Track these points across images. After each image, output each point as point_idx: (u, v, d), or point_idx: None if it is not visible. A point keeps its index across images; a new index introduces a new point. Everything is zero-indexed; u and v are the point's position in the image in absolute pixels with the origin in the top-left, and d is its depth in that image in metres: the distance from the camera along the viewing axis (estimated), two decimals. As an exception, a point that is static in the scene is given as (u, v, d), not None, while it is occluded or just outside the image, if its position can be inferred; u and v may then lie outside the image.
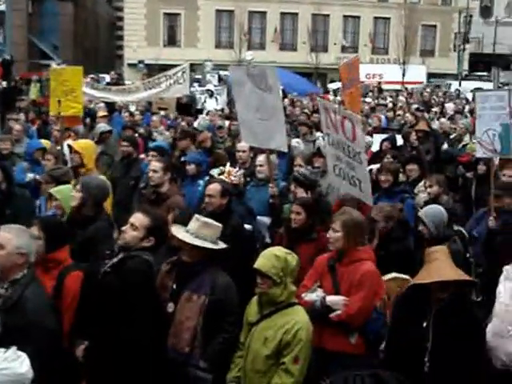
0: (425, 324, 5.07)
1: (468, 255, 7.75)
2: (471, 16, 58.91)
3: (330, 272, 5.92)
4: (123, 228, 5.53)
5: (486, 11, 68.00)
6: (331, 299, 5.75)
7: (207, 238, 5.52)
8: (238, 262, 6.26)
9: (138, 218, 5.53)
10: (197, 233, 5.51)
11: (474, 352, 5.11)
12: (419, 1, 64.80)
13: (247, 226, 7.97)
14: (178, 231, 5.63)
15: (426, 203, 8.62)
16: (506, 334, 5.70)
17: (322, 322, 5.64)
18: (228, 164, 9.50)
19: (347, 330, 5.73)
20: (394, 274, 6.45)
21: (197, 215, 5.75)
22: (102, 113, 15.29)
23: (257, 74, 8.51)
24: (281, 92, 23.39)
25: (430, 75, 52.32)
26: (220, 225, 5.73)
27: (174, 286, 5.59)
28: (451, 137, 15.59)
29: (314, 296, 5.76)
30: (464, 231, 7.85)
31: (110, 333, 5.22)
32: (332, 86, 39.77)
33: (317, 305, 5.71)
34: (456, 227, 7.73)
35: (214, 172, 9.40)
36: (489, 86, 42.91)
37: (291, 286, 5.29)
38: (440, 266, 5.11)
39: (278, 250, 5.34)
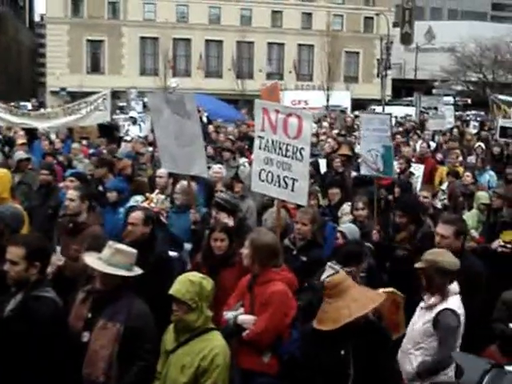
0: (343, 352, 5.03)
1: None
2: (392, 43, 60.36)
3: (249, 292, 5.99)
4: (5, 267, 5.35)
5: (406, 38, 69.91)
6: (242, 318, 5.83)
7: (121, 265, 5.42)
8: (162, 290, 6.19)
9: (13, 252, 5.31)
10: (110, 260, 5.41)
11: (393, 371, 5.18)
12: (342, 28, 66.17)
13: (172, 254, 7.91)
14: (90, 259, 5.52)
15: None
16: (405, 353, 5.90)
17: (237, 340, 5.74)
18: (156, 191, 9.42)
19: (260, 349, 5.79)
20: (390, 289, 6.59)
21: (110, 242, 5.64)
22: (20, 140, 14.96)
23: (175, 100, 8.50)
24: (205, 118, 23.59)
25: (354, 101, 53.25)
26: (135, 251, 5.63)
27: (89, 315, 5.46)
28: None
29: (230, 315, 5.83)
30: (371, 246, 8.01)
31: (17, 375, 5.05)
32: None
33: (230, 323, 5.80)
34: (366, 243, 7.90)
35: (137, 199, 9.31)
36: (412, 110, 44.04)
37: (207, 310, 5.24)
38: (362, 294, 5.10)
39: (193, 275, 5.29)
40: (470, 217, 10.24)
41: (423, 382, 5.77)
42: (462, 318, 5.79)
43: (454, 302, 5.83)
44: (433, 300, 5.88)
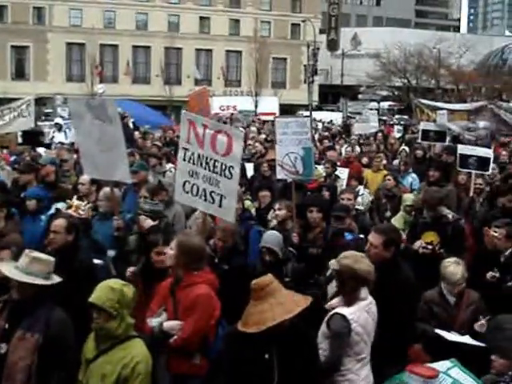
0: (267, 355, 5.00)
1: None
2: (318, 49, 61.10)
3: (171, 296, 5.93)
4: None
5: (332, 44, 70.88)
6: (168, 325, 5.76)
7: (38, 274, 5.30)
8: (86, 298, 6.08)
9: None
10: (27, 269, 5.28)
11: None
12: (269, 34, 66.64)
13: (97, 261, 7.78)
14: (6, 268, 5.37)
15: (274, 229, 8.76)
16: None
17: (164, 347, 5.69)
18: (75, 197, 9.25)
19: (190, 353, 5.78)
20: None
21: (27, 250, 5.51)
22: None
23: (96, 105, 8.38)
24: (131, 124, 23.36)
25: (282, 106, 53.68)
26: (52, 259, 5.52)
27: (6, 326, 5.31)
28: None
29: (155, 322, 5.75)
30: (293, 250, 7.99)
31: None
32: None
33: (156, 331, 5.72)
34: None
35: (60, 206, 9.14)
36: (338, 115, 44.72)
37: (129, 318, 5.17)
38: (287, 298, 5.08)
39: (114, 283, 5.22)
40: (397, 219, 10.46)
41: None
42: (355, 326, 5.68)
43: (351, 309, 5.76)
44: (334, 303, 5.91)
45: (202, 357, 5.83)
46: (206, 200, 7.40)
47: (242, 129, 27.71)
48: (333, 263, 5.96)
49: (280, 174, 9.78)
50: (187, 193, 7.56)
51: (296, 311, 4.93)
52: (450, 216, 9.16)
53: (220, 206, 7.30)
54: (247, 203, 10.66)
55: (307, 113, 46.10)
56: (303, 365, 5.03)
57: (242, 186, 11.64)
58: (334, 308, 5.83)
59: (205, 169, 7.35)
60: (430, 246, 8.35)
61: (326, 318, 5.81)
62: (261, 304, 4.96)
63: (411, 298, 6.77)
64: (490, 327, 6.06)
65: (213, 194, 7.31)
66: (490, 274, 7.61)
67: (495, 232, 8.00)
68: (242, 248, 8.11)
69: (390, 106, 59.63)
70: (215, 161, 7.25)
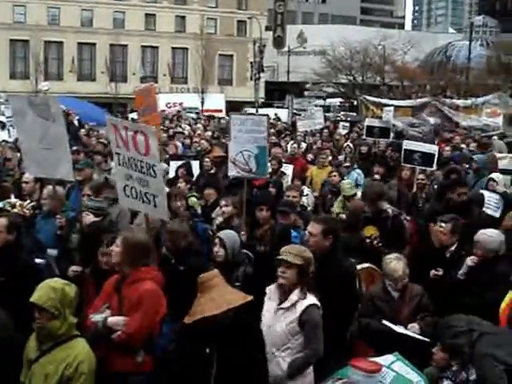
0: (208, 350, 5.02)
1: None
2: (264, 46, 61.19)
3: (117, 293, 5.87)
4: None
5: (278, 41, 71.03)
6: (112, 320, 5.70)
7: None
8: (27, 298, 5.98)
9: None
10: (-35, 269, 5.20)
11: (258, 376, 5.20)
12: (216, 31, 66.53)
13: (39, 260, 7.66)
14: None
15: (219, 226, 8.75)
16: (271, 357, 5.81)
17: (107, 343, 5.61)
18: (13, 196, 9.11)
19: (133, 350, 5.71)
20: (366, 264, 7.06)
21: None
22: None
23: (39, 103, 8.26)
24: (76, 121, 23.08)
25: (229, 103, 53.63)
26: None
27: None
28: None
29: (98, 317, 5.68)
30: (250, 254, 7.81)
31: None
32: (133, 116, 39.57)
33: (99, 326, 5.65)
34: (244, 250, 7.72)
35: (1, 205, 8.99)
36: (284, 112, 44.82)
37: (71, 317, 5.12)
38: (221, 294, 5.10)
39: (55, 282, 5.17)
40: (336, 204, 10.87)
41: (294, 381, 5.85)
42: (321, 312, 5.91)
43: (312, 297, 5.93)
44: (294, 298, 5.92)
45: (146, 354, 5.77)
46: (143, 201, 7.33)
47: (188, 126, 27.77)
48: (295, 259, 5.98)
49: (232, 171, 9.68)
50: (128, 196, 7.48)
51: (223, 309, 4.96)
52: (390, 211, 9.26)
53: (155, 205, 7.24)
54: (193, 200, 10.64)
55: (253, 110, 46.32)
56: (245, 361, 5.03)
57: (187, 183, 11.64)
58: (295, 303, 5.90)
59: (135, 170, 7.26)
60: (368, 240, 8.40)
61: (298, 314, 5.85)
62: (200, 297, 5.09)
63: (351, 288, 6.91)
64: (440, 327, 6.16)
65: (147, 194, 7.25)
66: (433, 273, 7.70)
67: (441, 227, 8.07)
68: (197, 248, 7.99)
69: (341, 102, 60.04)
70: (140, 161, 7.17)
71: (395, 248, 7.74)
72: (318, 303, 5.91)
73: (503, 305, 6.36)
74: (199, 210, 10.40)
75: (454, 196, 9.56)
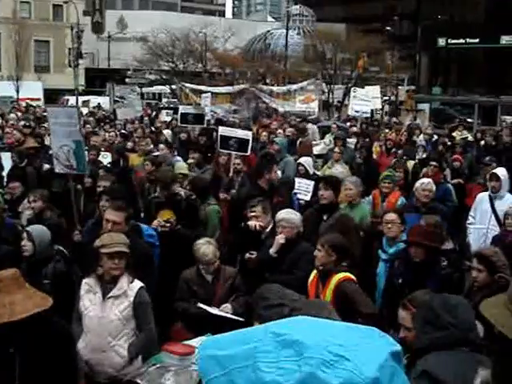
0: (12, 349, 4.77)
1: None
2: (83, 31, 59.69)
3: None
4: None
5: (97, 27, 69.38)
6: None
7: None
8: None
9: None
10: None
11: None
12: (30, 16, 64.02)
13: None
14: None
15: (30, 221, 8.49)
16: (108, 347, 5.91)
17: None
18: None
19: None
20: None
21: None
22: None
23: None
24: None
25: (47, 91, 51.92)
26: None
27: None
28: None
29: None
30: (65, 250, 7.52)
31: None
32: None
33: None
34: (56, 246, 7.37)
35: None
36: (106, 100, 44.09)
37: None
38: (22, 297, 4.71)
39: None
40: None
41: (133, 365, 5.95)
42: None
43: (137, 281, 6.11)
44: (124, 285, 6.00)
45: None
46: None
47: (-1, 117, 26.59)
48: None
49: (57, 168, 9.35)
50: None
51: (27, 313, 4.59)
52: (183, 193, 9.53)
53: None
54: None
55: (73, 98, 45.15)
56: (50, 359, 4.83)
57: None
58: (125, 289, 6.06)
59: None
60: (168, 224, 8.46)
61: (132, 299, 6.03)
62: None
63: (151, 269, 7.20)
64: (254, 297, 6.35)
65: None
66: (247, 255, 7.88)
67: (253, 212, 8.26)
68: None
69: (173, 89, 59.78)
70: None
71: (191, 227, 8.18)
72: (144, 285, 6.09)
73: (310, 280, 6.69)
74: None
75: (272, 175, 9.94)
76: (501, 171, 10.29)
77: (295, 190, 10.56)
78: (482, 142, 18.60)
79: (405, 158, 14.61)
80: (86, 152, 12.86)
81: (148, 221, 8.69)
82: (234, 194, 10.94)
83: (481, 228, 9.95)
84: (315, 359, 1.55)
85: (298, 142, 16.52)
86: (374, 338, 1.71)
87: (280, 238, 7.59)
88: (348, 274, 6.44)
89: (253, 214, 8.20)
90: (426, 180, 10.10)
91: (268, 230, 8.11)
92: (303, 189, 10.59)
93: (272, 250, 7.59)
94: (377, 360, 1.59)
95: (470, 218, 10.26)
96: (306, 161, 11.98)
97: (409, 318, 4.53)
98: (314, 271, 6.67)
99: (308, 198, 10.43)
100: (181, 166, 11.99)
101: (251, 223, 8.10)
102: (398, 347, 1.76)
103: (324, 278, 6.48)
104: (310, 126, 21.38)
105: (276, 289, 4.55)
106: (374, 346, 1.65)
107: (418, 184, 9.92)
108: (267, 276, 7.17)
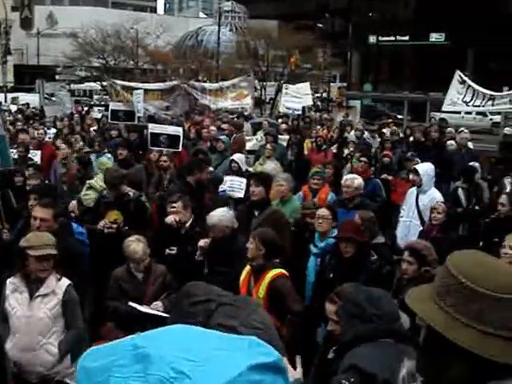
0: None
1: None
2: (11, 27, 58.40)
3: None
4: None
5: (26, 23, 67.93)
6: None
7: None
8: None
9: None
10: None
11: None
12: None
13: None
14: None
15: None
16: (38, 346, 5.85)
17: None
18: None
19: None
20: None
21: None
22: None
23: None
24: None
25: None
26: None
27: None
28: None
29: None
30: None
31: None
32: None
33: None
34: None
35: None
36: (35, 97, 43.22)
37: None
38: None
39: None
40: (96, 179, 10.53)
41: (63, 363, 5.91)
42: None
43: (65, 278, 6.07)
44: (52, 283, 5.98)
45: None
46: None
47: None
48: None
49: None
50: None
51: None
52: (131, 193, 9.36)
53: None
54: None
55: (1, 95, 44.20)
56: None
57: None
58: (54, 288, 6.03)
59: None
60: (114, 225, 8.42)
61: (61, 296, 6.02)
62: None
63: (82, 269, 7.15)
64: (179, 294, 6.34)
65: None
66: (167, 251, 7.88)
67: (172, 207, 8.25)
68: None
69: (104, 86, 58.90)
70: None
71: (138, 228, 7.93)
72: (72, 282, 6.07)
73: (242, 277, 6.71)
74: None
75: (203, 175, 9.92)
76: (422, 167, 10.57)
77: (226, 188, 10.60)
78: (411, 138, 18.95)
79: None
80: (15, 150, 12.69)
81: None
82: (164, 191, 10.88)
83: (405, 221, 10.26)
84: (156, 377, 1.42)
85: (232, 137, 16.56)
86: (234, 349, 1.54)
87: (202, 242, 7.65)
88: (282, 270, 6.50)
89: (173, 209, 8.23)
90: (350, 176, 10.27)
91: (187, 225, 8.18)
92: (236, 186, 10.66)
93: (198, 254, 7.65)
94: (225, 375, 1.44)
95: (401, 211, 10.51)
96: (239, 158, 12.02)
97: (335, 311, 4.60)
98: (247, 268, 6.70)
99: (241, 195, 10.50)
100: (104, 161, 11.88)
101: (169, 218, 8.11)
102: (269, 358, 1.52)
103: (257, 274, 6.52)
104: (243, 121, 21.41)
105: (202, 285, 4.54)
106: (227, 359, 1.48)
107: (343, 180, 10.09)
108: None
